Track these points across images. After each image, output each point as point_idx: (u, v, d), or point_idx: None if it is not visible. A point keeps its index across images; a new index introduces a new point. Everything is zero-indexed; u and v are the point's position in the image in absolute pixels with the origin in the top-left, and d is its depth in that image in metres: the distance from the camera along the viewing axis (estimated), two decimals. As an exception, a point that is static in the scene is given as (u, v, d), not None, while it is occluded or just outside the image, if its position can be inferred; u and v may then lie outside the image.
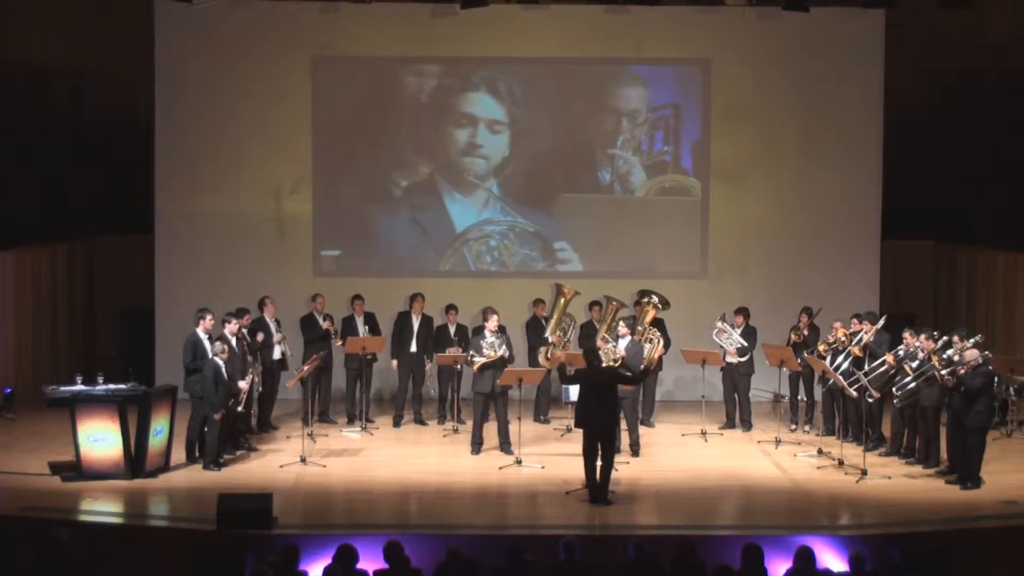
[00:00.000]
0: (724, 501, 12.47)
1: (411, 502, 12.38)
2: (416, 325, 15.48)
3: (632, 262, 17.34)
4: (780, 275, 17.34)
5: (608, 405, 12.22)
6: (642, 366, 14.30)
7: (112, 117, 18.26)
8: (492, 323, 13.97)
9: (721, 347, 15.30)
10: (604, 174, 17.44)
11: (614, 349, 13.62)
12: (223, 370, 12.92)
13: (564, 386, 14.29)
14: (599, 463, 12.05)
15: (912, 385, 12.94)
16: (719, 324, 15.32)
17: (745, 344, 15.18)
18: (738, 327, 15.26)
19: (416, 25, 17.10)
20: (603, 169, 17.43)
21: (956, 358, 12.47)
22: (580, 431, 12.34)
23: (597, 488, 12.01)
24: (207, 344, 13.26)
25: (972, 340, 12.56)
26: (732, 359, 15.24)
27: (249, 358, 13.85)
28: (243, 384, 13.34)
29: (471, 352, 14.02)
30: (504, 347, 13.87)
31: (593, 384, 12.22)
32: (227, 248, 17.23)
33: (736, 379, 15.29)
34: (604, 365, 12.67)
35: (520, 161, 17.33)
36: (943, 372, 12.49)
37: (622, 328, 13.90)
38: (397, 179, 17.38)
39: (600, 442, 12.06)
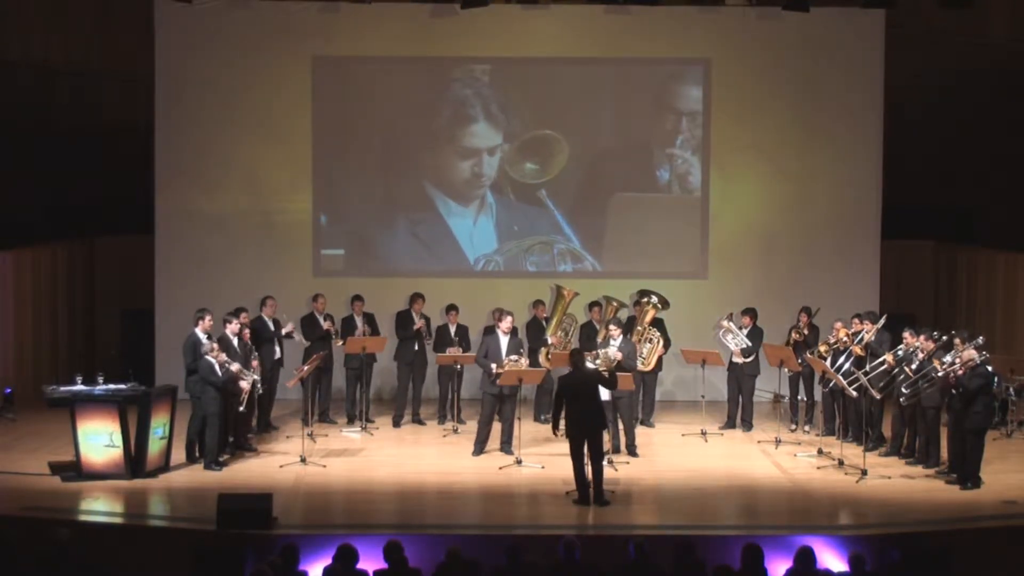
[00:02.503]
0: (724, 501, 12.46)
1: (411, 502, 12.37)
2: (416, 324, 15.48)
3: (639, 261, 17.36)
4: (780, 275, 17.33)
5: (592, 408, 12.09)
6: (641, 366, 14.30)
7: (112, 117, 18.27)
8: (506, 324, 13.90)
9: (725, 347, 15.29)
10: (663, 173, 17.44)
11: (608, 353, 13.57)
12: (216, 369, 12.92)
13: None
14: (588, 465, 11.98)
15: (914, 381, 12.94)
16: (725, 323, 15.31)
17: (750, 344, 15.17)
18: (745, 327, 15.25)
19: (416, 25, 17.10)
20: (661, 168, 17.43)
21: (957, 360, 12.47)
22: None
23: (587, 488, 11.97)
24: (205, 342, 13.25)
25: (974, 342, 12.56)
26: (738, 359, 15.24)
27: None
28: (244, 384, 13.33)
29: (485, 357, 13.83)
30: (524, 358, 13.85)
31: (575, 391, 12.13)
32: (227, 248, 17.24)
33: (741, 380, 15.28)
34: (591, 368, 12.59)
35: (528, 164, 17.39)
36: (940, 374, 12.51)
37: (613, 329, 13.88)
38: (398, 179, 17.39)
39: (588, 444, 12.00)
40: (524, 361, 13.88)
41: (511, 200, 17.34)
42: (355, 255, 17.50)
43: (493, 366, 13.67)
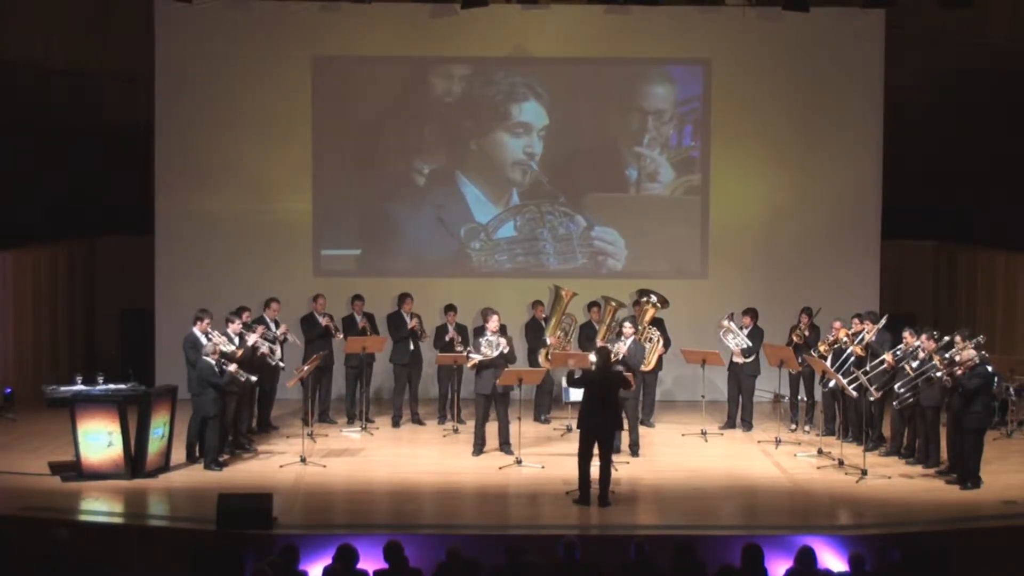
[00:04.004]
0: (724, 501, 12.46)
1: (411, 502, 12.36)
2: (409, 323, 15.47)
3: (638, 261, 17.35)
4: (780, 275, 17.33)
5: (610, 408, 12.19)
6: (642, 367, 14.32)
7: (112, 117, 18.26)
8: (493, 323, 13.95)
9: (726, 347, 15.28)
10: (631, 172, 17.42)
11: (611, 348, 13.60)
12: (215, 369, 12.93)
13: (565, 387, 14.29)
14: (596, 464, 12.02)
15: (908, 386, 12.94)
16: (725, 323, 15.30)
17: (750, 344, 15.16)
18: (745, 328, 15.25)
19: (416, 25, 17.10)
20: (630, 167, 17.40)
21: (957, 359, 12.47)
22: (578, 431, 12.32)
23: (590, 488, 11.98)
24: (205, 343, 13.25)
25: (974, 341, 12.56)
26: (738, 359, 15.23)
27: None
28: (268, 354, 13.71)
29: (469, 349, 14.01)
30: (504, 345, 13.84)
31: (596, 387, 12.20)
32: (227, 248, 17.24)
33: (741, 380, 15.28)
34: (614, 367, 12.63)
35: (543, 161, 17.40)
36: (940, 373, 12.50)
37: (627, 327, 13.90)
38: (396, 178, 17.39)
39: (598, 444, 12.05)
40: (503, 340, 13.86)
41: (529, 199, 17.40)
42: (355, 255, 17.48)
43: (473, 355, 13.69)
